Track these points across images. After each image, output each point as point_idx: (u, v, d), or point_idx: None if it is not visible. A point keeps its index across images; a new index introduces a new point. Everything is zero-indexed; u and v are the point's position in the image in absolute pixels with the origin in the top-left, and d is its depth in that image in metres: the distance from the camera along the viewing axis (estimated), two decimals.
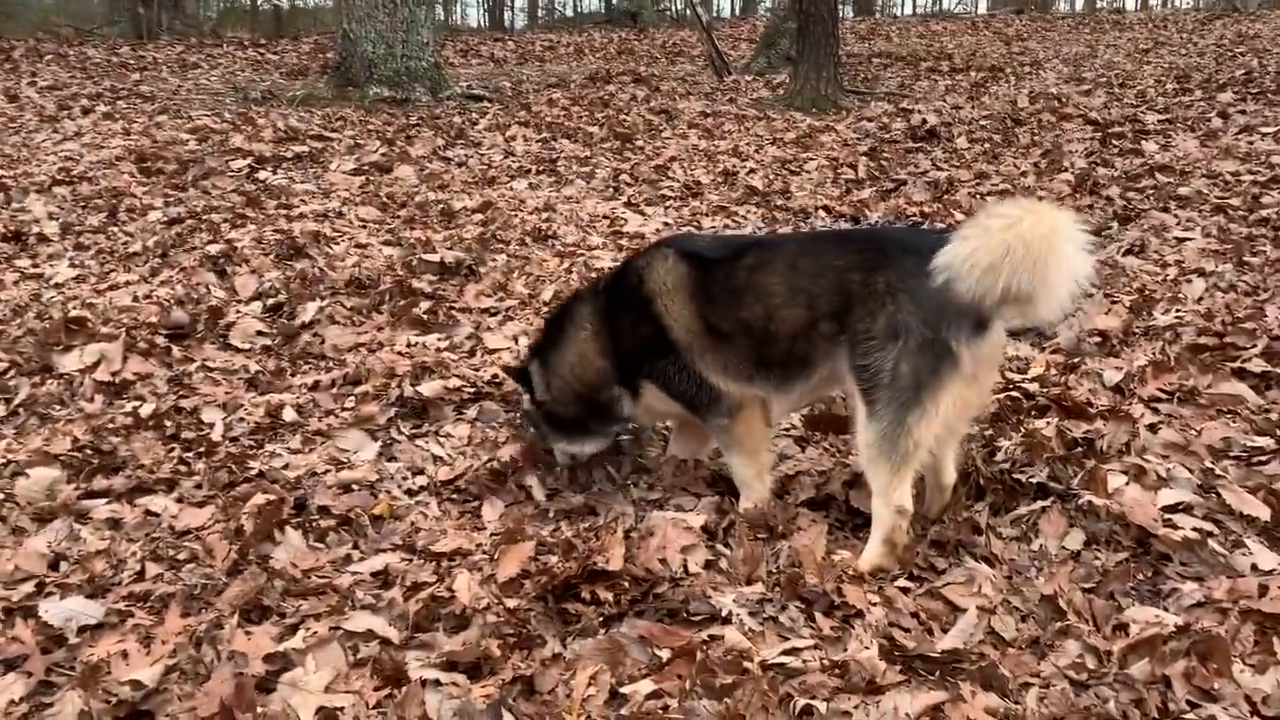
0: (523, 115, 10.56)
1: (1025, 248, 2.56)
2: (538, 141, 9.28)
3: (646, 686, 2.36)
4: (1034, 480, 3.26)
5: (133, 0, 18.79)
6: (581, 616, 2.64)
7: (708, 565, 2.88)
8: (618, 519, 3.12)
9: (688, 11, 21.78)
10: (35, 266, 5.76)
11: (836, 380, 3.02)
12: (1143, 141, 8.08)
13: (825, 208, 6.76)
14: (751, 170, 7.91)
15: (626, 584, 2.73)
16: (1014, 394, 3.86)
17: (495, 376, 4.17)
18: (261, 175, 7.72)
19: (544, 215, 6.82)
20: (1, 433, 3.75)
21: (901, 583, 2.83)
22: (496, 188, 7.69)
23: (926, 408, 2.73)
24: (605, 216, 6.86)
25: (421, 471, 3.53)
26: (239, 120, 9.79)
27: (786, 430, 3.76)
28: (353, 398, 4.08)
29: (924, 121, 9.09)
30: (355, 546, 3.03)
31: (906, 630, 2.61)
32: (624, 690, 2.37)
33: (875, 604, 2.70)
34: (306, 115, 10.18)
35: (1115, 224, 6.08)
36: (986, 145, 8.40)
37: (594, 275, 5.14)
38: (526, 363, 3.45)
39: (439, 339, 4.65)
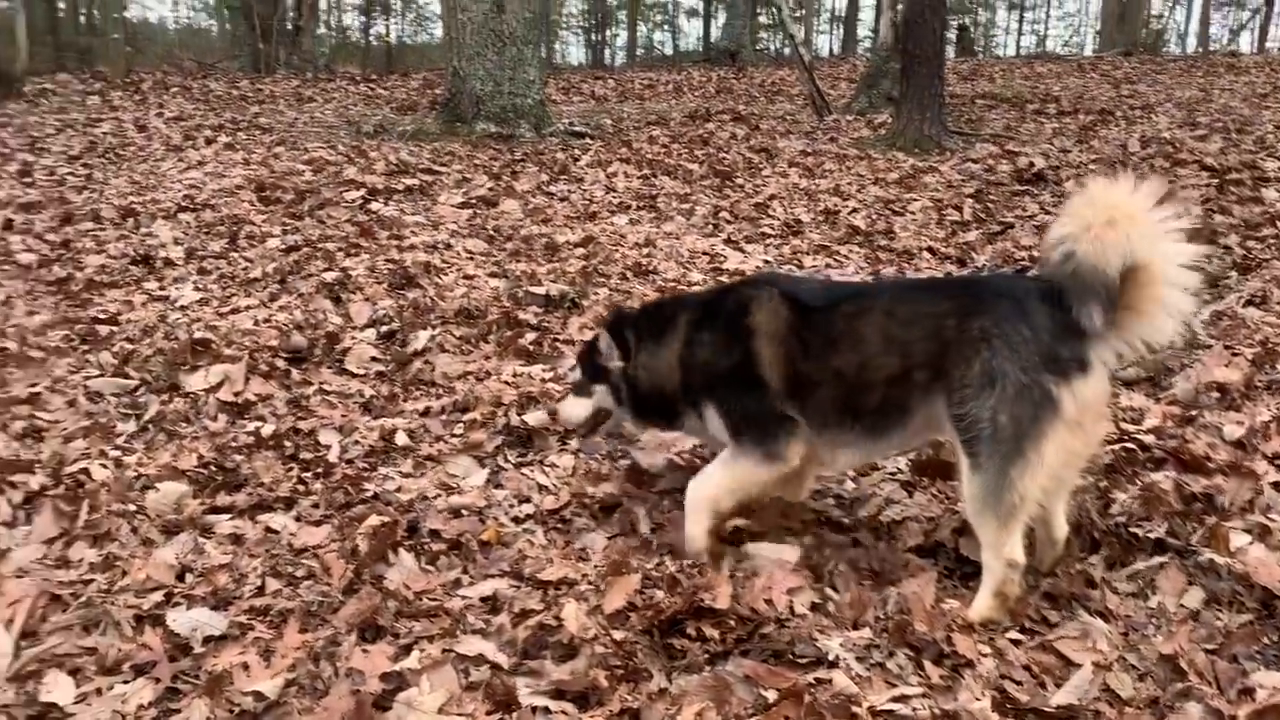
0: (623, 152, 10.71)
1: (1133, 212, 2.61)
2: (638, 178, 9.40)
3: None
4: (1151, 535, 3.17)
5: (252, 35, 19.67)
6: (687, 652, 2.66)
7: (814, 608, 2.86)
8: (723, 558, 3.13)
9: (787, 50, 21.86)
10: (162, 289, 6.04)
11: (934, 429, 2.99)
12: (1262, 189, 7.81)
13: (930, 249, 6.71)
14: (854, 210, 7.89)
15: (732, 622, 2.74)
16: (1129, 445, 3.77)
17: None
18: (374, 206, 7.98)
19: (644, 250, 6.91)
20: (133, 447, 3.93)
21: (1013, 634, 2.78)
22: (598, 223, 7.81)
23: (1029, 458, 2.68)
24: (705, 253, 6.91)
25: (528, 499, 3.60)
26: (352, 153, 10.14)
27: (893, 474, 3.73)
28: (461, 424, 4.19)
29: (1031, 164, 8.96)
30: (465, 571, 3.09)
31: (1019, 683, 2.56)
32: None
33: (986, 655, 2.66)
34: (416, 149, 10.49)
35: (1234, 274, 5.89)
36: None
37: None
38: (624, 328, 3.43)
39: (544, 370, 4.74)
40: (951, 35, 24.27)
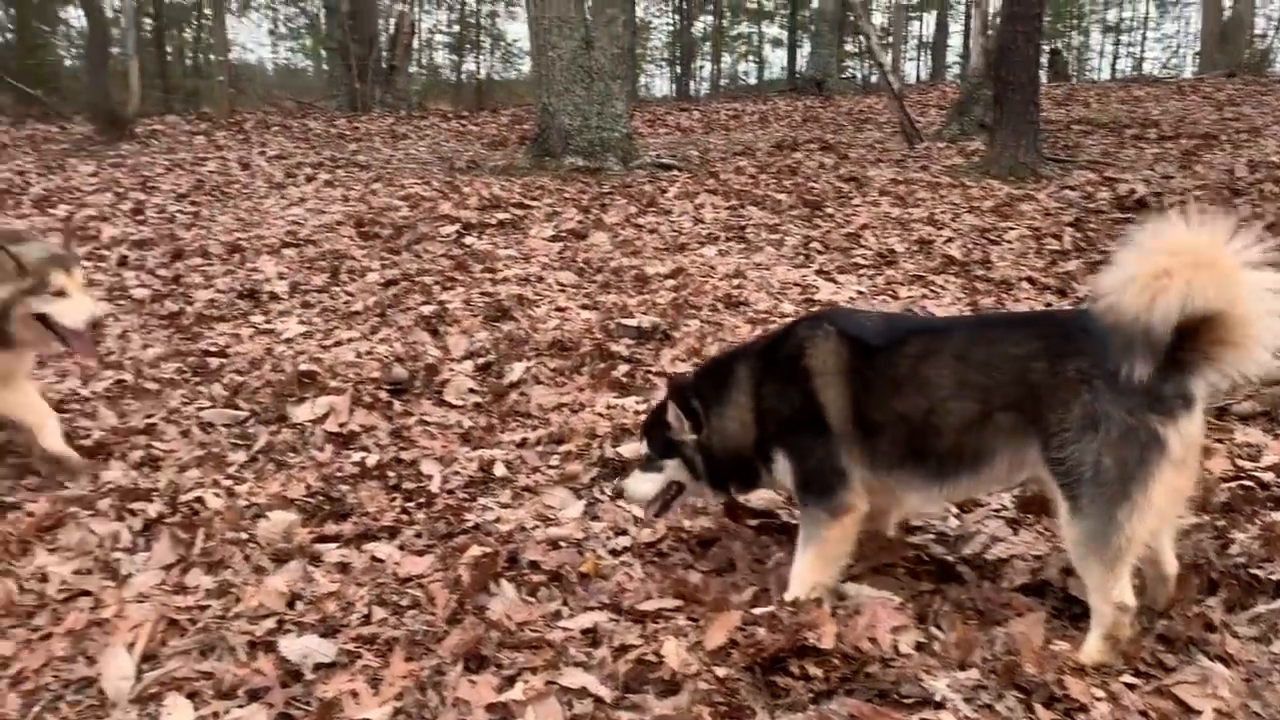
0: (711, 183, 10.75)
1: (1196, 257, 2.48)
2: (726, 209, 9.42)
3: None
4: (1273, 577, 3.04)
5: (349, 75, 20.31)
6: (790, 690, 2.63)
7: (919, 647, 2.81)
8: (823, 596, 3.09)
9: (875, 78, 21.75)
10: (268, 322, 6.25)
11: (1021, 471, 2.89)
12: None
13: (1029, 279, 6.58)
14: (949, 239, 7.78)
15: (836, 661, 2.70)
16: (1246, 483, 3.63)
17: None
18: (468, 240, 8.15)
19: (734, 282, 6.91)
20: (244, 476, 4.07)
21: (1128, 678, 2.68)
22: (687, 254, 7.84)
23: (1137, 501, 2.59)
24: (796, 284, 6.88)
25: (624, 532, 3.61)
26: (446, 188, 10.38)
27: (997, 512, 3.65)
28: (557, 456, 4.23)
29: (1132, 191, 8.73)
30: (565, 603, 3.11)
31: None
32: None
33: (1100, 699, 2.58)
34: (508, 183, 10.69)
35: None
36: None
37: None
38: (689, 396, 3.30)
39: (637, 401, 4.77)
40: (1044, 60, 23.84)
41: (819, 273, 7.15)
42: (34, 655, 2.83)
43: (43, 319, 3.89)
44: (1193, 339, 2.55)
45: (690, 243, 8.20)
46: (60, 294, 3.89)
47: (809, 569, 3.05)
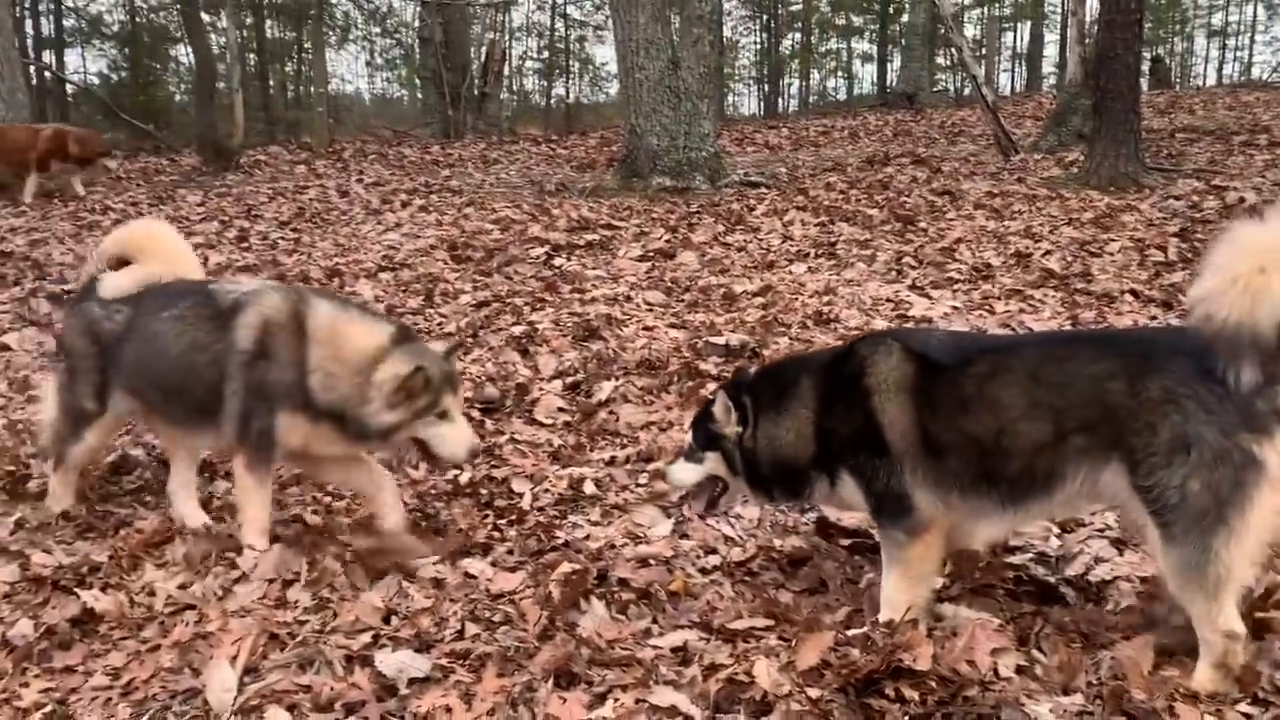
0: (800, 199, 10.68)
1: None
2: (815, 225, 9.34)
3: None
4: None
5: (442, 103, 20.80)
6: (885, 713, 2.57)
7: (1019, 670, 2.72)
8: (918, 616, 3.02)
9: (968, 90, 21.37)
10: None
11: (1101, 497, 2.78)
12: None
13: (1133, 292, 6.36)
14: (1047, 252, 7.57)
15: (933, 684, 2.63)
16: None
17: None
18: (557, 261, 8.25)
19: (824, 298, 6.84)
20: (341, 494, 4.16)
21: (1244, 707, 2.56)
22: (776, 271, 7.80)
23: (1235, 527, 2.45)
24: (889, 300, 6.78)
25: (714, 550, 3.59)
26: (536, 211, 10.53)
27: (1101, 532, 3.52)
28: (645, 474, 4.23)
29: (1241, 199, 8.39)
30: (654, 621, 3.10)
31: None
32: None
33: None
34: (596, 205, 10.80)
35: None
36: None
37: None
38: (742, 393, 3.26)
39: None
40: (1145, 67, 23.15)
41: (912, 288, 7.03)
42: (143, 667, 2.93)
43: (419, 442, 3.56)
44: None
45: (779, 260, 8.15)
46: (444, 416, 3.53)
47: (896, 590, 2.98)
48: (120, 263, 3.95)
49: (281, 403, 3.51)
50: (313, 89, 28.08)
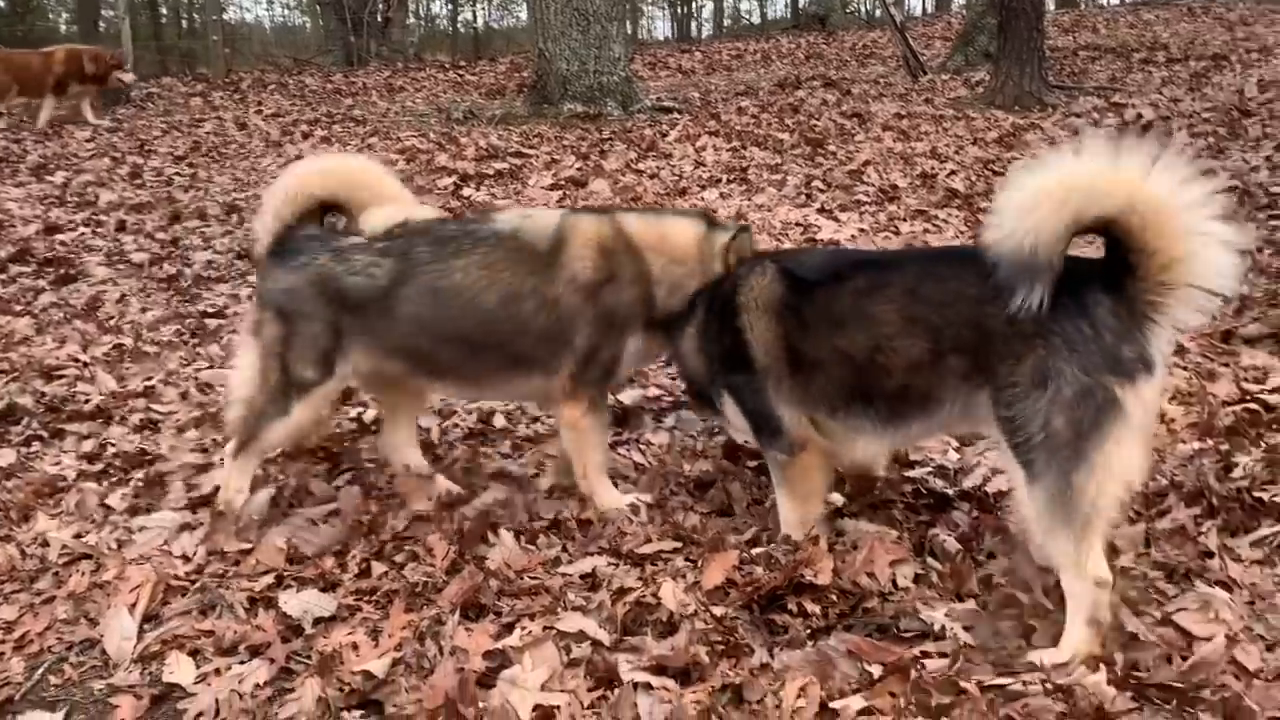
0: (712, 125, 10.61)
1: (1082, 170, 2.36)
2: (728, 150, 9.31)
3: (858, 703, 2.31)
4: (1277, 499, 3.01)
5: (344, 30, 20.08)
6: (789, 628, 2.63)
7: (917, 579, 2.80)
8: (820, 532, 3.07)
9: (879, 12, 21.36)
10: None
11: (972, 422, 2.75)
12: None
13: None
14: (952, 172, 7.67)
15: (834, 597, 2.70)
16: (1252, 406, 3.59)
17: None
18: (466, 192, 8.08)
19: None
20: None
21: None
22: (689, 198, 7.76)
23: (1096, 462, 2.39)
24: (798, 224, 6.80)
25: (625, 478, 3.60)
26: (443, 140, 10.28)
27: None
28: None
29: (1139, 115, 8.58)
30: (564, 549, 3.11)
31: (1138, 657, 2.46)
32: (834, 705, 2.33)
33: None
34: (505, 133, 10.58)
35: None
36: (1211, 139, 7.83)
37: None
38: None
39: None
40: None
41: (821, 211, 7.07)
42: (37, 619, 2.84)
43: None
44: (1134, 271, 2.40)
45: (691, 186, 8.11)
46: None
47: (787, 509, 3.02)
48: (321, 207, 3.47)
49: (631, 325, 3.26)
50: (207, 17, 26.87)
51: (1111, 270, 2.45)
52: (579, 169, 8.72)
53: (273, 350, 3.33)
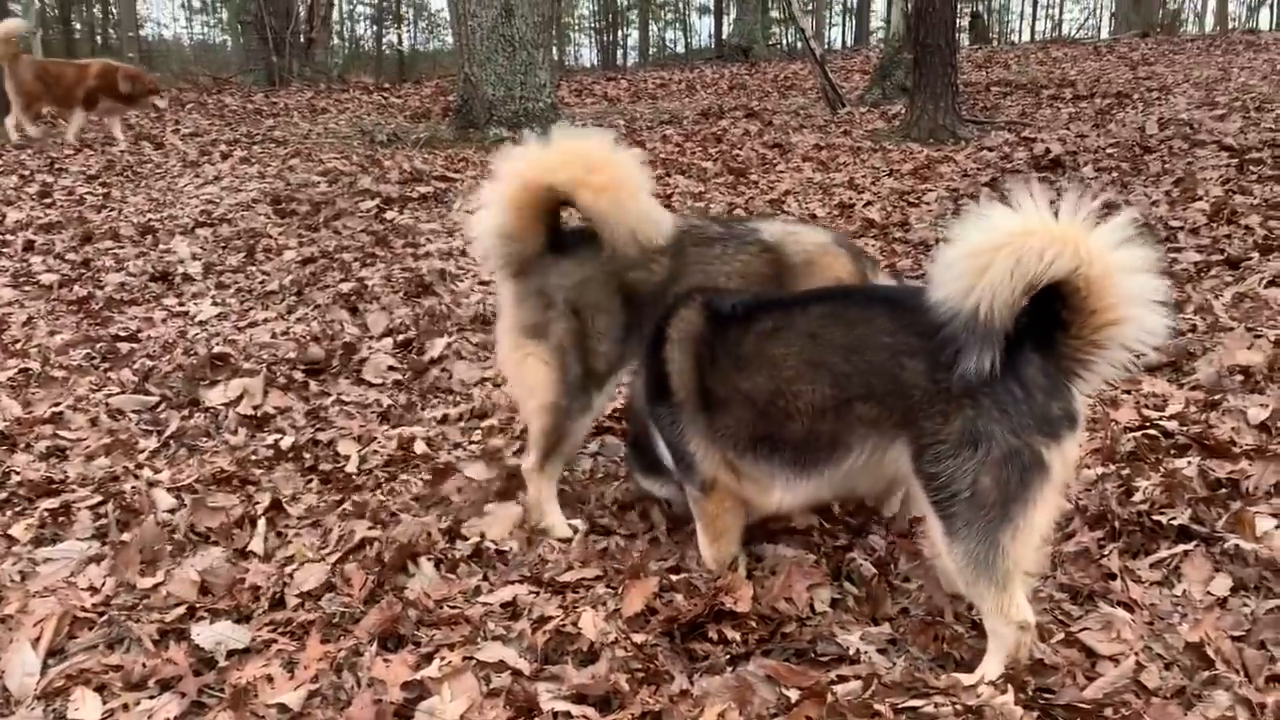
0: (637, 152, 10.68)
1: (1024, 226, 2.33)
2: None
3: None
4: (1175, 522, 3.13)
5: (265, 49, 19.80)
6: (709, 655, 2.65)
7: (834, 604, 2.85)
8: (738, 557, 3.11)
9: (799, 44, 21.80)
10: (181, 305, 6.10)
11: (889, 473, 2.68)
12: None
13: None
14: (869, 202, 7.86)
15: (753, 623, 2.73)
16: (1151, 432, 3.73)
17: (615, 412, 4.23)
18: (389, 215, 8.02)
19: None
20: (155, 465, 3.96)
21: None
22: None
23: (1018, 524, 2.41)
24: None
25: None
26: (367, 162, 10.19)
27: None
28: (479, 431, 4.19)
29: (1048, 150, 8.88)
30: (485, 578, 3.09)
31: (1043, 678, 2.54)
32: None
33: None
34: (430, 156, 10.53)
35: (1256, 255, 5.81)
36: (1115, 174, 8.15)
37: None
38: None
39: None
40: (964, 23, 24.13)
41: None
42: None
43: None
44: (1067, 328, 2.41)
45: None
46: None
47: (703, 544, 3.04)
48: (554, 203, 3.30)
49: None
50: (123, 33, 26.27)
51: (1040, 325, 2.42)
52: None
53: (568, 345, 3.30)
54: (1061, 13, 39.60)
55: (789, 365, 2.68)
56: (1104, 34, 30.56)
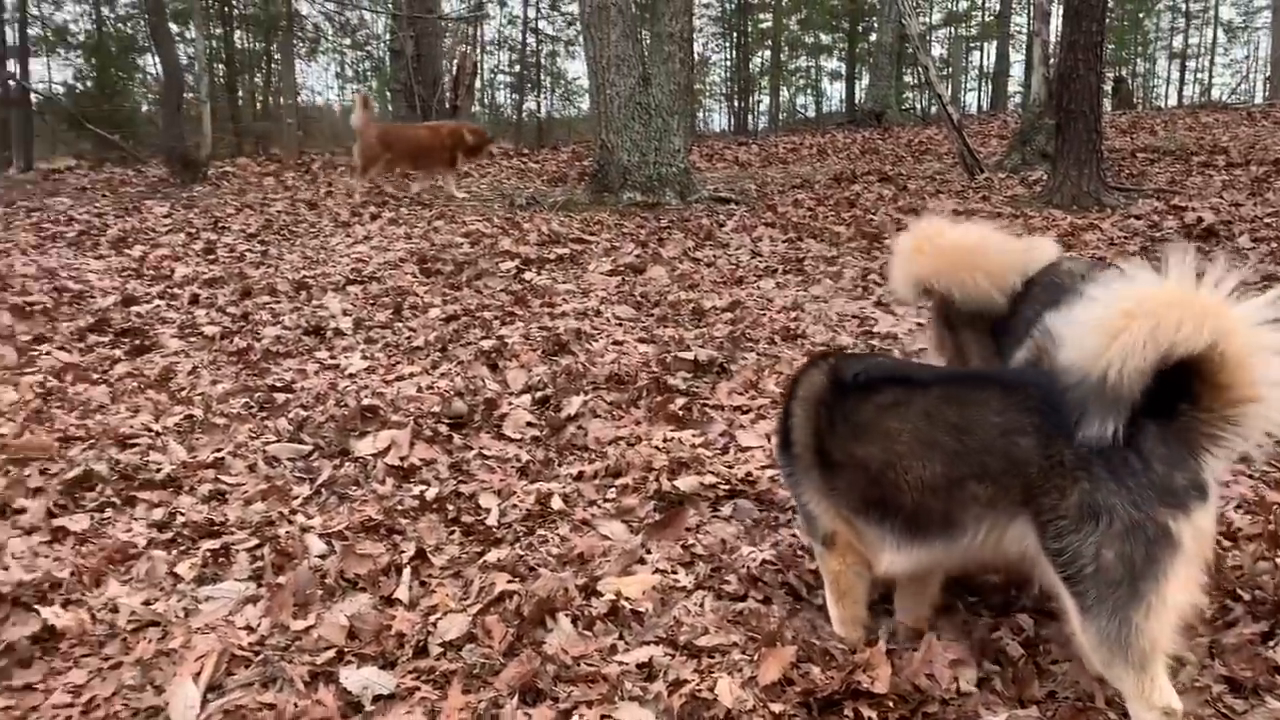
0: (768, 216, 10.76)
1: (1166, 296, 2.27)
2: (784, 241, 9.42)
3: None
4: None
5: (413, 116, 20.73)
6: None
7: (980, 684, 2.76)
8: (879, 632, 3.05)
9: (934, 109, 21.63)
10: (332, 358, 6.38)
11: (1012, 551, 2.60)
12: None
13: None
14: None
15: (891, 703, 2.67)
16: None
17: (749, 475, 4.22)
18: (528, 275, 8.26)
19: (792, 314, 6.90)
20: (308, 511, 4.14)
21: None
22: (745, 287, 7.86)
23: (1150, 600, 2.32)
24: (854, 316, 6.85)
25: (689, 564, 3.60)
26: (507, 225, 10.54)
27: None
28: (614, 489, 4.25)
29: (1200, 219, 8.55)
30: (621, 637, 3.11)
31: None
32: None
33: None
34: (567, 219, 10.83)
35: None
36: (1274, 245, 7.78)
37: None
38: None
39: (694, 435, 4.77)
40: (1108, 88, 23.55)
41: (878, 304, 7.11)
42: (104, 684, 2.90)
43: None
44: (1197, 401, 2.33)
45: (748, 276, 8.21)
46: None
47: (831, 604, 3.08)
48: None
49: None
50: (282, 100, 27.99)
51: (1162, 394, 2.34)
52: (637, 256, 8.87)
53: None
54: (1211, 77, 38.22)
55: (902, 440, 2.71)
56: (1258, 99, 29.33)
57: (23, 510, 4.09)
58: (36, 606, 3.30)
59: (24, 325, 6.90)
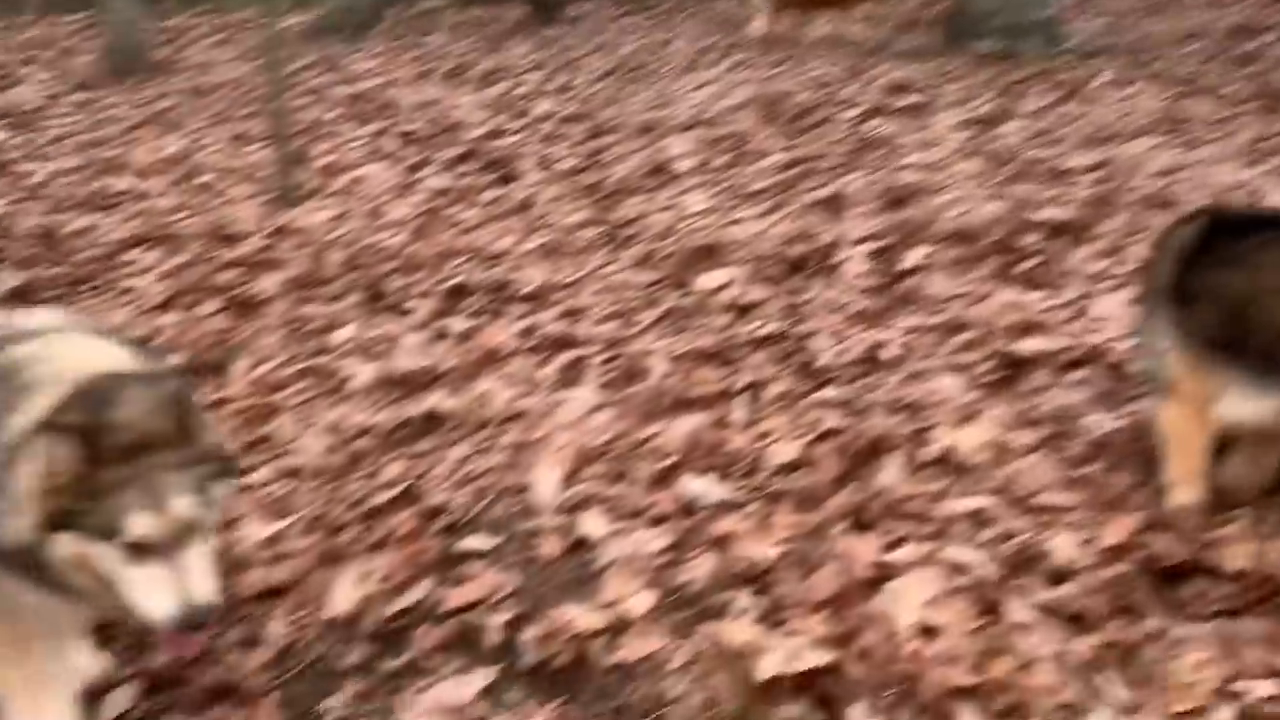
0: (1146, 71, 9.67)
1: None
2: (1163, 99, 8.47)
3: (1267, 688, 2.17)
4: None
5: None
6: (1188, 603, 2.49)
7: None
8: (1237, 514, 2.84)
9: None
10: (674, 198, 6.59)
11: None
12: None
13: None
14: None
15: (1246, 585, 2.51)
16: None
17: (1103, 344, 3.99)
18: (870, 124, 8.02)
19: (1166, 179, 6.26)
20: (652, 335, 4.41)
21: None
22: (1113, 146, 7.19)
23: None
24: (1241, 185, 6.11)
25: (1035, 423, 3.51)
26: (851, 72, 10.21)
27: None
28: (951, 345, 4.17)
29: None
30: (952, 484, 3.12)
31: None
32: (1234, 687, 2.20)
33: None
34: (915, 68, 10.31)
35: None
36: None
37: None
38: None
39: (1043, 297, 4.54)
40: None
41: (1272, 173, 6.29)
42: (482, 460, 3.34)
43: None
44: None
45: (1117, 135, 7.50)
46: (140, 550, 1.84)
47: (1169, 460, 2.88)
48: None
49: None
50: None
51: None
52: (990, 109, 8.34)
53: None
54: None
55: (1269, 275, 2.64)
56: None
57: (411, 311, 4.67)
58: (425, 391, 3.81)
59: (408, 150, 7.67)
